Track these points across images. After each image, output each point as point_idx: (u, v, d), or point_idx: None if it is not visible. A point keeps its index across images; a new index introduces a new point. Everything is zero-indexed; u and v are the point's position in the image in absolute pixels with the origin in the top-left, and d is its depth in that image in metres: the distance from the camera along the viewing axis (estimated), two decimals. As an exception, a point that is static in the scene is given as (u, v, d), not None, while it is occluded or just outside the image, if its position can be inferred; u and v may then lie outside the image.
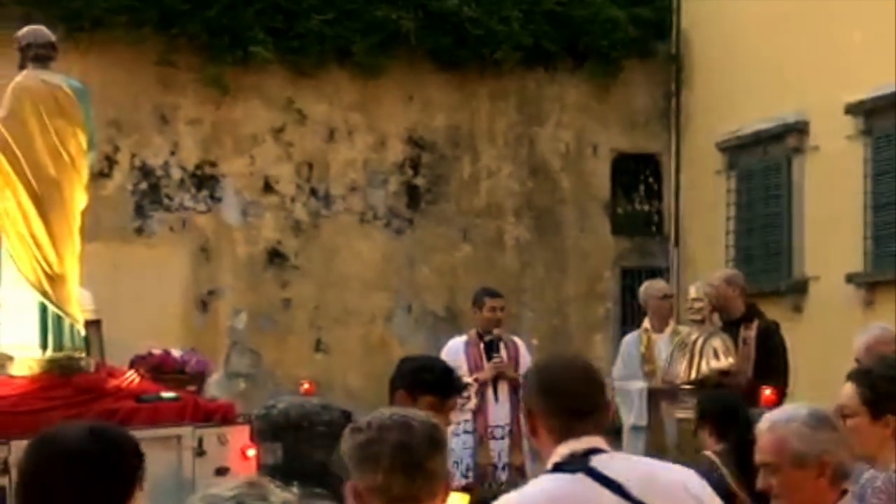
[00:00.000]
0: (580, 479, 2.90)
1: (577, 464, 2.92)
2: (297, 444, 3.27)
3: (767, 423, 3.26)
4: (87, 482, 2.65)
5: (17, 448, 6.16)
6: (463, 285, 14.96)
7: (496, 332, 7.96)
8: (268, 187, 15.21)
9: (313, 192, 15.41)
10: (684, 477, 3.07)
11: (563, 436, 2.97)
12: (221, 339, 14.80)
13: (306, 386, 9.58)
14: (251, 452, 7.22)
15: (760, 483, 3.21)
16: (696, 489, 3.03)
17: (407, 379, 4.24)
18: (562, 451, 2.98)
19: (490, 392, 7.80)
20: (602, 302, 16.65)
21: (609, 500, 2.88)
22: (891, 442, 3.62)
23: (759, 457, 3.20)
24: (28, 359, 6.87)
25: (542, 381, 3.12)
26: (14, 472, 6.10)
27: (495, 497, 7.15)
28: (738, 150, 15.21)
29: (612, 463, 2.96)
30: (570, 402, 2.99)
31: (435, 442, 2.73)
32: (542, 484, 3.02)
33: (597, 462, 2.93)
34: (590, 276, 16.60)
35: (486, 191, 16.20)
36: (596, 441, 2.99)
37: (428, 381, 4.29)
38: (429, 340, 14.89)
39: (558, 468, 2.97)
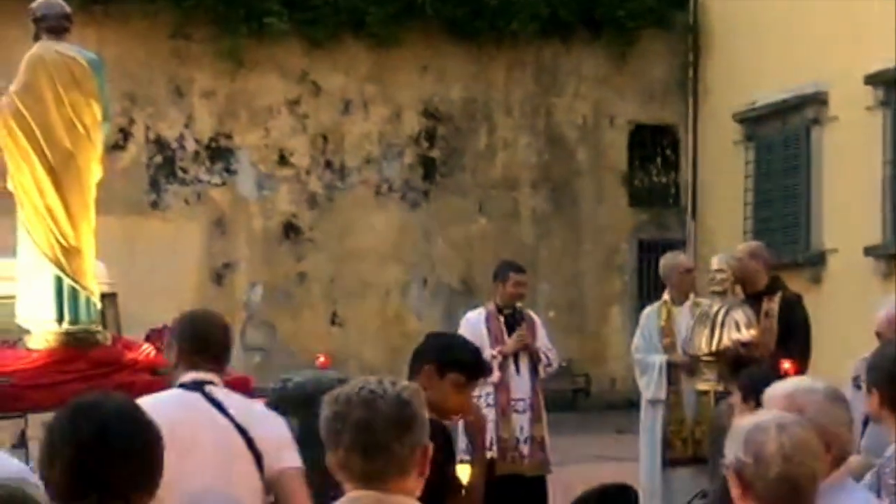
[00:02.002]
0: (197, 398, 3.94)
1: (195, 387, 3.96)
2: (313, 418, 3.20)
3: (784, 390, 3.24)
4: (128, 459, 2.63)
5: (35, 421, 6.15)
6: (479, 258, 14.93)
7: (518, 305, 7.92)
8: (283, 160, 15.17)
9: (328, 164, 15.37)
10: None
11: (190, 367, 4.02)
12: (237, 312, 14.79)
13: (322, 359, 9.53)
14: (268, 425, 7.25)
15: None
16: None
17: (437, 354, 4.16)
18: (187, 377, 4.01)
19: (511, 365, 7.76)
20: (619, 274, 16.60)
21: (214, 414, 3.92)
22: None
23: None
24: (44, 332, 6.83)
25: (184, 327, 4.18)
26: (32, 445, 6.09)
27: (519, 471, 7.12)
28: (756, 121, 15.11)
29: (220, 392, 4.00)
30: (198, 344, 4.06)
31: (402, 420, 2.61)
32: (170, 393, 4.01)
33: (209, 389, 3.97)
34: (607, 249, 16.55)
35: (502, 163, 16.13)
36: (212, 376, 4.02)
37: (459, 359, 4.20)
38: (444, 313, 14.88)
39: (182, 386, 4.00)
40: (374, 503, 2.59)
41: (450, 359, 4.19)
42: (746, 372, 5.79)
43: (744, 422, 2.98)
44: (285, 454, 4.11)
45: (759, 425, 2.90)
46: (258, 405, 4.36)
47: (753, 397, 5.24)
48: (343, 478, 2.63)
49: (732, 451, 2.90)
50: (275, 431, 4.15)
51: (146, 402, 3.69)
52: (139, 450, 2.68)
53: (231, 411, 3.98)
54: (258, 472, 3.99)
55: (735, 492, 2.88)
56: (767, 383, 4.88)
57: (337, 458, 2.62)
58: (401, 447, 2.60)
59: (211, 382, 4.04)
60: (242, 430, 3.98)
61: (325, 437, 2.64)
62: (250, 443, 3.99)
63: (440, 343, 4.37)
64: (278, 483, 4.06)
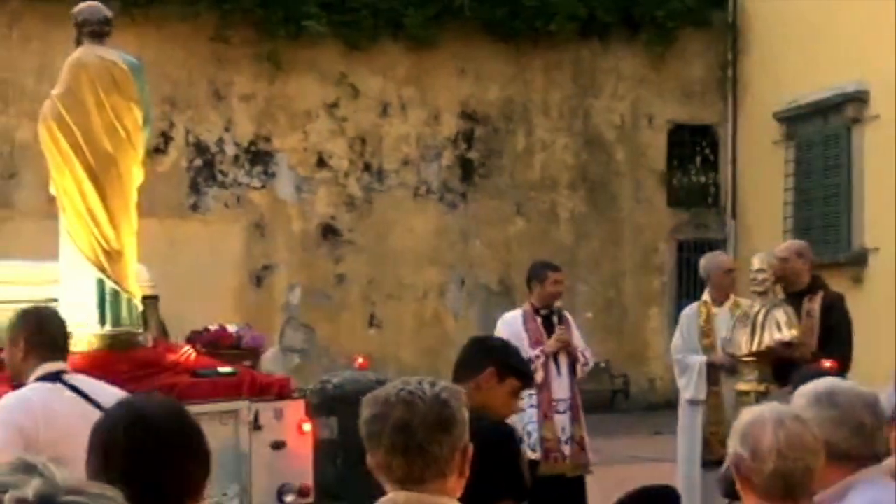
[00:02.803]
0: (59, 387, 4.31)
1: (54, 378, 4.33)
2: (353, 419, 3.21)
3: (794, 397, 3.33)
4: (178, 461, 2.65)
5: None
6: (517, 259, 14.92)
7: (557, 304, 7.89)
8: (321, 162, 15.23)
9: (367, 166, 15.40)
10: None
11: (41, 360, 4.37)
12: (276, 314, 14.87)
13: (360, 361, 9.57)
14: (307, 427, 7.27)
15: None
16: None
17: (500, 358, 4.20)
18: (41, 370, 4.33)
19: (552, 366, 7.73)
20: (657, 275, 16.53)
21: (76, 400, 4.30)
22: None
23: None
24: (86, 335, 6.89)
25: (31, 322, 4.48)
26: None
27: (560, 472, 7.10)
28: (796, 119, 15.00)
29: (75, 379, 4.43)
30: (51, 339, 4.44)
31: (442, 422, 2.59)
32: (33, 387, 4.33)
33: (66, 377, 4.37)
34: (645, 249, 16.49)
35: (540, 163, 16.11)
36: (62, 365, 4.43)
37: (518, 367, 4.29)
38: (482, 314, 14.88)
39: (40, 379, 4.33)
40: (416, 503, 2.59)
41: (511, 365, 4.24)
42: (800, 372, 5.73)
43: (745, 415, 3.02)
44: None
45: (757, 420, 2.95)
46: (109, 387, 4.66)
47: None
48: (383, 479, 2.63)
49: (733, 443, 2.96)
50: None
51: (17, 398, 4.40)
52: (192, 454, 2.70)
53: (92, 395, 4.41)
54: None
55: (737, 484, 2.95)
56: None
57: (377, 459, 2.62)
58: (440, 448, 2.60)
59: (65, 371, 4.48)
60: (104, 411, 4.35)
61: (366, 439, 2.64)
62: None
63: (502, 348, 4.40)
64: None
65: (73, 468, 4.17)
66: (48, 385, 4.39)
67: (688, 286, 15.36)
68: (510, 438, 4.26)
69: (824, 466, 3.10)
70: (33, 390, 4.38)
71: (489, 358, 4.21)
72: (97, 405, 4.32)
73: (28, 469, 1.43)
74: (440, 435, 2.60)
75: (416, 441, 2.58)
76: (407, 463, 2.58)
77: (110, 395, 4.49)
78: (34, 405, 4.32)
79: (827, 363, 6.87)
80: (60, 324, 4.67)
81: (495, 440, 4.05)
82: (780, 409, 3.01)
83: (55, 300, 7.17)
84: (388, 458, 2.60)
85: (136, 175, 7.07)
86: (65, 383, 4.42)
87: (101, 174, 6.88)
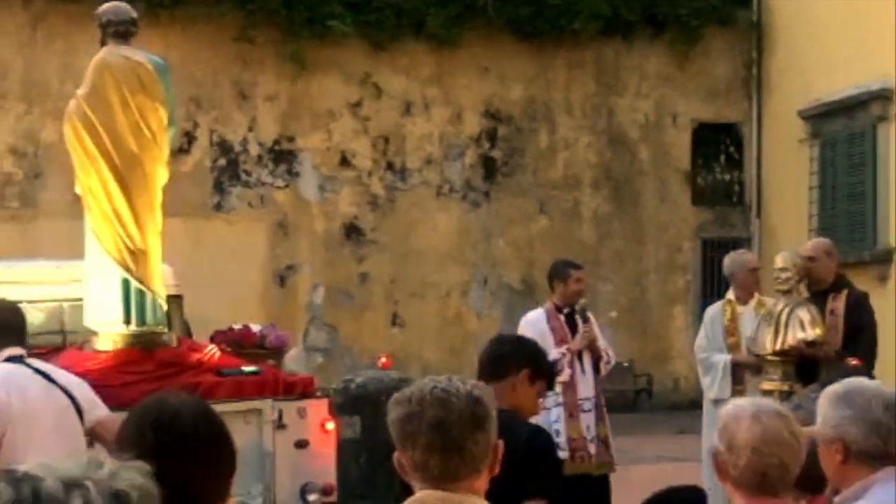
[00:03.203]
0: (21, 368, 4.90)
1: (18, 360, 4.92)
2: (376, 418, 3.21)
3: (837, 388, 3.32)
4: (206, 460, 2.66)
5: (102, 421, 6.24)
6: (539, 258, 14.90)
7: (582, 302, 7.87)
8: (345, 162, 15.25)
9: (390, 165, 15.42)
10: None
11: (5, 346, 4.91)
12: (300, 313, 14.90)
13: (383, 360, 9.58)
14: (330, 425, 7.28)
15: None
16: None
17: (534, 360, 4.24)
18: (4, 354, 4.89)
19: (577, 364, 7.72)
20: (682, 273, 16.48)
21: (38, 380, 4.90)
22: None
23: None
24: (112, 334, 6.91)
25: None
26: (98, 446, 6.17)
27: (586, 471, 7.10)
28: (821, 118, 14.93)
29: (37, 363, 5.03)
30: (9, 328, 4.96)
31: (476, 419, 2.59)
32: (3, 367, 4.87)
33: (27, 360, 4.96)
34: (669, 248, 16.44)
35: (563, 162, 16.09)
36: (21, 350, 4.98)
37: (547, 370, 4.36)
38: (505, 313, 14.87)
39: (8, 360, 4.89)
40: (442, 501, 2.58)
41: (542, 368, 4.29)
42: (828, 371, 5.70)
43: (726, 409, 3.04)
44: (97, 408, 5.21)
45: (735, 414, 2.97)
46: (63, 370, 5.26)
47: None
48: (416, 477, 2.62)
49: (714, 435, 2.98)
50: (88, 392, 5.23)
51: None
52: (220, 453, 2.72)
53: (51, 375, 5.01)
54: (81, 423, 5.07)
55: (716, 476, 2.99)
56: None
57: (413, 458, 2.60)
58: (476, 445, 2.60)
59: (24, 355, 5.03)
60: (67, 392, 5.04)
61: (399, 438, 2.62)
62: (74, 400, 5.05)
63: (536, 349, 4.43)
64: (98, 429, 5.12)
65: (41, 445, 4.57)
66: (12, 365, 4.94)
67: (712, 285, 15.31)
68: (553, 445, 4.30)
69: (844, 465, 3.09)
70: (1, 367, 4.92)
71: (526, 359, 4.23)
72: (56, 384, 5.00)
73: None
74: (475, 432, 2.60)
75: (452, 439, 2.57)
76: (444, 461, 2.57)
77: (65, 376, 5.14)
78: (5, 379, 4.86)
79: (853, 361, 6.84)
80: (18, 314, 5.18)
81: (541, 447, 4.07)
82: (760, 405, 3.02)
83: (80, 300, 7.21)
84: (424, 457, 2.58)
85: (161, 175, 7.09)
86: (27, 365, 5.00)
87: (127, 174, 6.91)
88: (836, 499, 3.08)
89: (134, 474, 1.46)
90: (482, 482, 2.64)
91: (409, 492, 2.68)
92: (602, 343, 7.95)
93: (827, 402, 3.22)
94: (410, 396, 2.64)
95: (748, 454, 2.88)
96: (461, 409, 2.59)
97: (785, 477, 2.91)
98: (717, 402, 7.96)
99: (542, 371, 4.28)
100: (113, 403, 6.07)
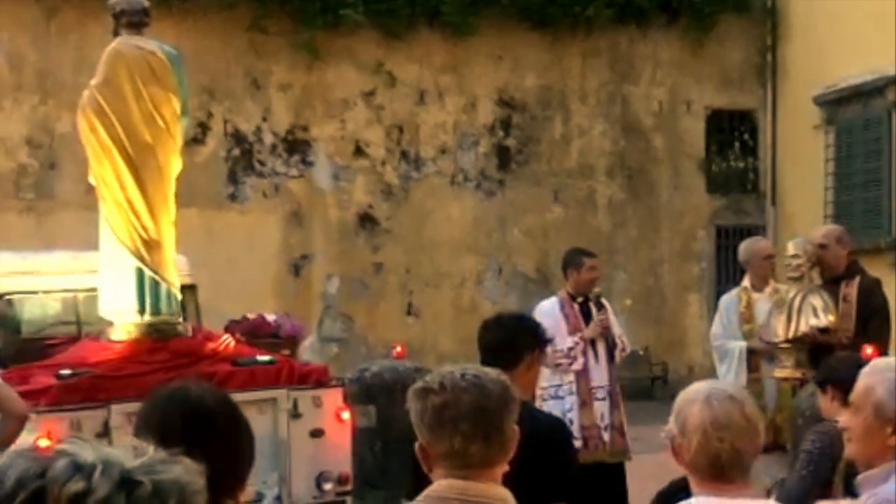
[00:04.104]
0: None
1: None
2: (391, 407, 3.22)
3: (869, 367, 3.22)
4: (229, 449, 2.67)
5: (118, 411, 6.26)
6: (554, 246, 14.87)
7: (595, 290, 7.85)
8: (359, 151, 15.24)
9: (404, 155, 15.41)
10: None
11: None
12: (314, 303, 14.92)
13: (398, 349, 9.58)
14: (345, 415, 7.29)
15: (842, 421, 3.17)
16: None
17: (542, 340, 4.28)
18: None
19: (591, 353, 7.70)
20: (697, 261, 16.45)
21: None
22: None
23: (851, 396, 3.15)
24: (126, 324, 6.94)
25: None
26: (116, 436, 6.19)
27: (601, 459, 7.12)
28: (836, 104, 14.86)
29: None
30: None
31: (508, 402, 2.61)
32: None
33: None
34: (684, 236, 16.41)
35: (577, 150, 16.06)
36: None
37: (546, 338, 4.39)
38: (520, 302, 14.84)
39: None
40: (463, 490, 2.56)
41: (545, 341, 4.35)
42: (825, 361, 5.68)
43: (682, 392, 3.02)
44: None
45: (689, 397, 2.97)
46: None
47: (831, 385, 5.12)
48: (445, 466, 2.59)
49: (670, 419, 2.97)
50: None
51: None
52: (241, 443, 2.72)
53: None
54: None
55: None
56: (847, 371, 4.76)
57: (451, 447, 2.57)
58: (510, 430, 2.61)
59: None
60: None
61: (433, 428, 2.59)
62: None
63: (537, 326, 4.44)
64: None
65: None
66: None
67: (727, 273, 15.27)
68: (571, 438, 4.31)
69: (890, 447, 3.01)
70: None
71: (537, 339, 4.24)
72: None
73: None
74: (509, 417, 2.61)
75: (494, 423, 2.58)
76: (485, 446, 2.57)
77: None
78: None
79: (868, 349, 6.81)
80: None
81: (562, 441, 4.07)
82: (715, 388, 3.00)
83: (95, 290, 7.23)
84: (466, 444, 2.56)
85: (174, 165, 7.10)
86: None
87: (140, 164, 6.91)
88: (860, 476, 3.04)
89: (170, 467, 1.45)
90: (501, 469, 2.64)
91: (420, 482, 2.67)
92: (617, 331, 7.94)
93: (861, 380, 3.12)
94: (442, 384, 2.61)
95: (699, 438, 2.86)
96: (497, 393, 2.60)
97: (738, 461, 2.88)
98: (733, 389, 7.95)
99: (545, 344, 4.34)
100: (128, 394, 6.10)
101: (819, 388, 5.16)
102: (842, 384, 5.18)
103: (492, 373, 2.66)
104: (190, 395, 2.82)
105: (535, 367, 4.21)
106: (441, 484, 2.59)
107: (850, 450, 3.13)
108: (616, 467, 7.71)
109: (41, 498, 1.37)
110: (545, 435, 3.84)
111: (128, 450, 1.47)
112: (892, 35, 13.52)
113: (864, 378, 3.15)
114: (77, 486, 1.37)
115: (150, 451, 1.48)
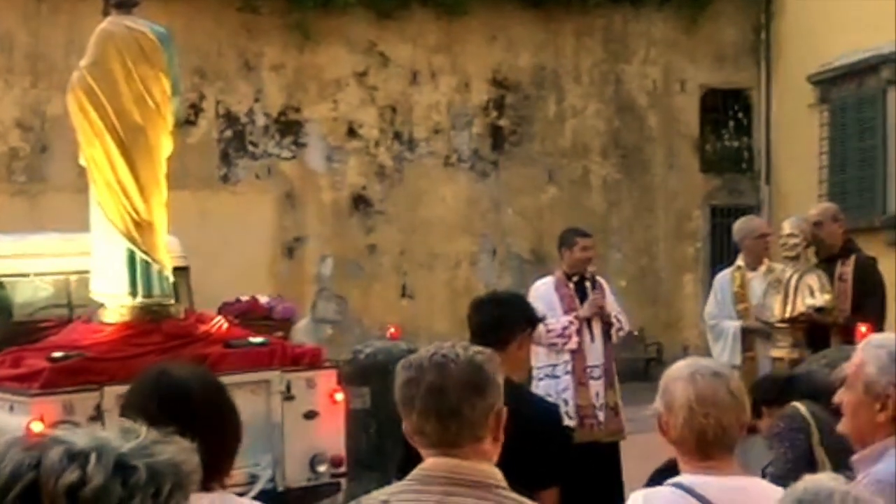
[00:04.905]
0: None
1: None
2: (385, 389, 3.20)
3: (863, 343, 3.20)
4: (206, 431, 2.65)
5: (110, 394, 6.22)
6: (549, 227, 14.84)
7: (590, 269, 7.82)
8: (352, 132, 15.18)
9: (397, 135, 15.35)
10: None
11: None
12: (308, 285, 14.88)
13: (392, 331, 9.55)
14: (339, 396, 7.27)
15: (836, 397, 3.18)
16: None
17: (531, 317, 4.27)
18: None
19: (586, 332, 7.68)
20: (691, 241, 16.43)
21: None
22: None
23: (846, 372, 3.14)
24: (118, 306, 6.91)
25: None
26: (108, 418, 6.17)
27: (595, 438, 7.13)
28: (830, 83, 14.81)
29: None
30: None
31: (474, 385, 2.57)
32: None
33: None
34: (678, 215, 16.38)
35: (571, 130, 16.01)
36: None
37: (536, 316, 4.38)
38: (514, 283, 14.81)
39: None
40: (451, 469, 2.56)
41: (536, 319, 4.35)
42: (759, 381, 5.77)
43: (668, 370, 3.06)
44: None
45: (674, 375, 2.99)
46: None
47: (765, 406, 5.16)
48: (419, 443, 2.62)
49: (657, 396, 3.00)
50: None
51: None
52: (223, 426, 2.70)
53: None
54: None
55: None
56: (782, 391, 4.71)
57: (412, 423, 2.60)
58: (472, 411, 2.57)
59: None
60: None
61: (400, 403, 2.63)
62: None
63: (527, 304, 4.44)
64: None
65: None
66: None
67: (722, 253, 15.25)
68: (562, 422, 4.30)
69: (880, 424, 2.98)
70: None
71: (527, 318, 4.22)
72: None
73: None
74: (473, 397, 2.58)
75: (448, 404, 2.56)
76: (441, 427, 2.56)
77: None
78: None
79: (863, 327, 6.80)
80: None
81: (554, 425, 4.05)
82: (698, 365, 3.02)
83: (87, 272, 7.20)
84: (421, 422, 2.58)
85: (165, 145, 7.06)
86: None
87: (131, 145, 6.87)
88: (855, 457, 3.02)
89: (163, 448, 1.44)
90: (488, 448, 2.62)
91: (412, 461, 2.66)
92: (614, 310, 7.91)
93: (888, 356, 3.07)
94: (412, 362, 2.65)
95: (684, 414, 2.89)
96: (458, 374, 2.58)
97: (724, 437, 2.91)
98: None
99: (536, 324, 4.34)
100: (121, 376, 6.07)
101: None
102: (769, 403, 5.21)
103: (467, 354, 2.63)
104: (168, 376, 2.80)
105: (526, 346, 4.19)
106: (428, 462, 2.60)
107: (842, 425, 3.11)
108: (611, 447, 7.70)
109: (36, 490, 1.35)
110: (538, 421, 3.82)
111: (121, 432, 1.45)
112: (887, 14, 13.47)
113: (859, 353, 3.13)
114: (72, 476, 1.36)
115: (143, 432, 1.46)
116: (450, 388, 2.56)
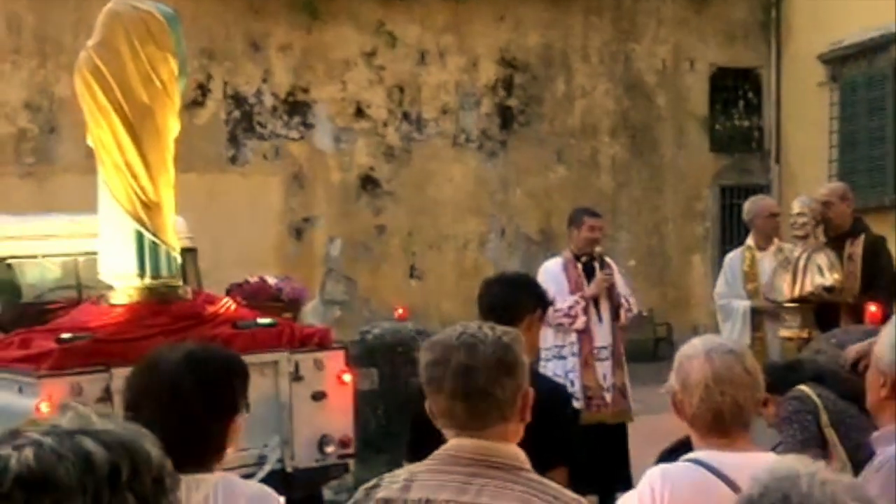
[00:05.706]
0: None
1: None
2: (393, 370, 3.20)
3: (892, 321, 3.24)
4: (184, 411, 2.67)
5: (119, 375, 6.23)
6: (557, 207, 14.82)
7: (598, 250, 7.79)
8: (360, 112, 15.15)
9: (405, 116, 15.31)
10: None
11: None
12: (316, 266, 14.88)
13: (401, 312, 9.54)
14: (347, 377, 7.26)
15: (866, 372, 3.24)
16: None
17: (541, 297, 4.27)
18: None
19: (593, 312, 7.65)
20: (700, 221, 16.39)
21: None
22: None
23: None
24: (127, 287, 6.90)
25: None
26: (117, 399, 6.17)
27: (603, 419, 7.13)
28: (840, 61, 14.75)
29: None
30: None
31: (504, 365, 2.56)
32: None
33: None
34: (688, 195, 16.33)
35: (580, 110, 15.96)
36: None
37: (547, 299, 4.39)
38: (523, 264, 14.80)
39: None
40: (476, 450, 2.54)
41: (546, 301, 4.34)
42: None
43: (682, 348, 3.07)
44: None
45: (689, 353, 3.00)
46: None
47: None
48: (444, 424, 2.60)
49: (671, 376, 3.01)
50: None
51: None
52: (208, 407, 2.72)
53: None
54: None
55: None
56: (787, 377, 4.69)
57: (439, 404, 2.58)
58: (503, 392, 2.56)
59: None
60: None
61: (426, 384, 2.61)
62: None
63: (537, 285, 4.43)
64: None
65: None
66: None
67: (731, 233, 15.22)
68: (570, 404, 4.29)
69: (884, 399, 3.01)
70: None
71: (537, 299, 4.21)
72: None
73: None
74: (503, 378, 2.56)
75: (478, 385, 2.54)
76: (470, 407, 2.54)
77: None
78: None
79: (872, 307, 6.78)
80: None
81: (561, 406, 4.05)
82: (714, 342, 3.03)
83: (96, 254, 7.19)
84: (450, 403, 2.55)
85: (172, 126, 7.04)
86: None
87: (138, 125, 6.85)
88: (874, 435, 3.04)
89: (118, 432, 1.41)
90: (514, 429, 2.61)
91: (421, 442, 2.65)
92: (623, 290, 7.88)
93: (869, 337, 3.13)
94: (439, 342, 2.62)
95: (700, 392, 2.90)
96: (487, 354, 2.56)
97: (740, 415, 2.93)
98: (737, 348, 7.91)
99: (546, 305, 4.34)
100: (129, 357, 6.07)
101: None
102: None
103: (495, 334, 2.61)
104: (143, 361, 2.82)
105: (535, 327, 4.17)
106: (452, 443, 2.58)
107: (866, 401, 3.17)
108: (618, 428, 7.69)
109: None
110: (545, 401, 3.82)
111: (75, 416, 1.42)
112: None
113: (882, 332, 3.17)
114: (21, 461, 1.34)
115: (95, 418, 1.43)
116: (480, 368, 2.54)
